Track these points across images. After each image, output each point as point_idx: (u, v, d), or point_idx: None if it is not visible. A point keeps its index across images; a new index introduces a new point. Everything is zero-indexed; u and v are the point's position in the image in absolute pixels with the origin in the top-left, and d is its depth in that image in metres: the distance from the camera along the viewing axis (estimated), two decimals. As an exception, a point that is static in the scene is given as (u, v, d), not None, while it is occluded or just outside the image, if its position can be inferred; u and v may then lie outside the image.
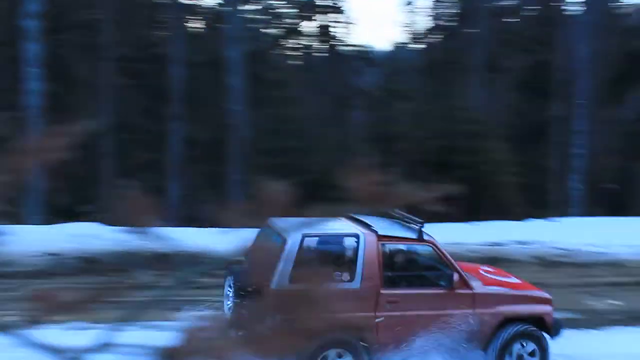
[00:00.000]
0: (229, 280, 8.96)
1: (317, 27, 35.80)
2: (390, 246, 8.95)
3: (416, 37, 37.76)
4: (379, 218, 9.40)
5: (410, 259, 9.26)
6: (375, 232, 8.78)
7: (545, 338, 9.33)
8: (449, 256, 9.05)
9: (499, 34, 33.46)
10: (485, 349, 9.08)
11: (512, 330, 9.09)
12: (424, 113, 29.62)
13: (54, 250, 14.04)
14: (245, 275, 8.36)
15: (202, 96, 29.17)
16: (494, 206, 24.08)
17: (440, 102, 30.16)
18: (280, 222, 8.62)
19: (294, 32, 36.26)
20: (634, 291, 14.13)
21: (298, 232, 8.36)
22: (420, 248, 9.11)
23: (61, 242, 14.22)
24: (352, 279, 8.50)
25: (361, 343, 8.52)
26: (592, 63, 30.97)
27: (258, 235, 9.00)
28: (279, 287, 7.83)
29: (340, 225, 8.85)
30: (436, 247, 8.97)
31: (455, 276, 8.89)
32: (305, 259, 8.32)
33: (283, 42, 36.67)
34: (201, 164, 26.38)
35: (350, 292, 8.39)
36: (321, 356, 8.35)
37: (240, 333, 2.66)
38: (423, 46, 38.16)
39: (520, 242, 17.06)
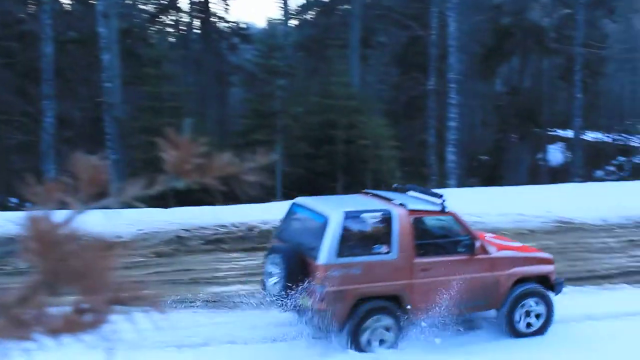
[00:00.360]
0: (274, 258, 9.34)
1: (194, 4, 35.28)
2: (419, 219, 9.63)
3: (292, 14, 37.75)
4: (399, 194, 10.39)
5: (436, 229, 10.00)
6: (406, 207, 9.46)
7: (549, 294, 10.25)
8: (468, 226, 9.97)
9: (374, 10, 33.84)
10: (498, 307, 10.00)
11: (522, 289, 10.02)
12: (302, 89, 29.67)
13: None
14: (290, 252, 9.12)
15: (75, 74, 28.25)
16: (373, 179, 24.43)
17: (318, 78, 30.30)
18: (315, 202, 9.89)
19: (170, 8, 35.59)
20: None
21: (339, 210, 9.08)
22: (443, 219, 9.86)
23: None
24: (389, 251, 9.19)
25: (400, 308, 9.26)
26: (464, 39, 31.70)
27: (288, 214, 9.96)
28: (328, 262, 8.76)
29: (372, 203, 9.81)
30: (457, 218, 9.81)
31: (476, 243, 9.72)
32: (348, 234, 9.04)
33: (158, 18, 35.95)
34: (77, 144, 25.58)
35: (389, 263, 9.17)
36: (367, 321, 9.05)
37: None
38: (298, 22, 38.23)
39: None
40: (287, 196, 23.10)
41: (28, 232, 2.43)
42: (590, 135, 41.77)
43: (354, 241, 9.14)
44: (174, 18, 37.25)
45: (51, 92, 24.56)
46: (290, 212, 10.12)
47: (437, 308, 9.33)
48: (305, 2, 36.85)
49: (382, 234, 9.27)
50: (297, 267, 8.98)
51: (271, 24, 38.63)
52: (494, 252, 9.98)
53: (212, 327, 10.09)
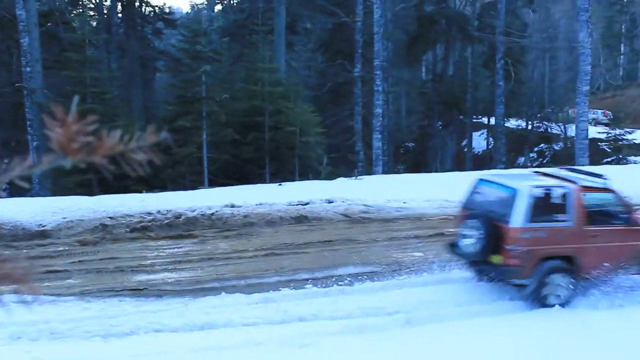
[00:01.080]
0: (471, 223, 10.88)
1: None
2: (588, 194, 11.18)
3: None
4: (566, 174, 11.96)
5: (601, 203, 11.55)
6: (578, 183, 11.12)
7: None
8: (626, 201, 11.70)
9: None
10: None
11: None
12: (228, 75, 29.44)
13: None
14: (486, 218, 10.75)
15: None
16: (300, 166, 24.43)
17: (244, 64, 30.08)
18: (500, 178, 11.67)
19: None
20: (434, 242, 14.75)
21: (527, 185, 10.78)
22: (606, 195, 11.46)
23: None
24: (566, 220, 10.82)
25: (574, 268, 10.79)
26: (389, 26, 31.88)
27: (474, 188, 11.64)
28: (520, 226, 10.43)
29: (547, 180, 11.50)
30: (617, 194, 11.41)
31: (632, 217, 11.34)
32: (535, 204, 10.60)
33: (79, 1, 35.16)
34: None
35: (566, 229, 10.80)
36: (548, 277, 10.62)
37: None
38: (223, 7, 37.90)
39: (327, 201, 17.38)
40: (213, 183, 22.92)
41: None
42: (512, 123, 42.65)
43: (539, 210, 10.71)
44: (95, 1, 36.50)
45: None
46: (476, 187, 11.77)
47: (601, 269, 10.92)
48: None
49: (560, 205, 10.89)
50: (493, 231, 10.60)
51: (196, 8, 38.14)
52: None
53: (138, 315, 9.93)
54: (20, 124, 24.49)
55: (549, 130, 45.91)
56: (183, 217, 15.67)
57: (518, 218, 10.54)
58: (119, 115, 23.94)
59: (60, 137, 1.30)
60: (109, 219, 15.24)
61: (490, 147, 40.95)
